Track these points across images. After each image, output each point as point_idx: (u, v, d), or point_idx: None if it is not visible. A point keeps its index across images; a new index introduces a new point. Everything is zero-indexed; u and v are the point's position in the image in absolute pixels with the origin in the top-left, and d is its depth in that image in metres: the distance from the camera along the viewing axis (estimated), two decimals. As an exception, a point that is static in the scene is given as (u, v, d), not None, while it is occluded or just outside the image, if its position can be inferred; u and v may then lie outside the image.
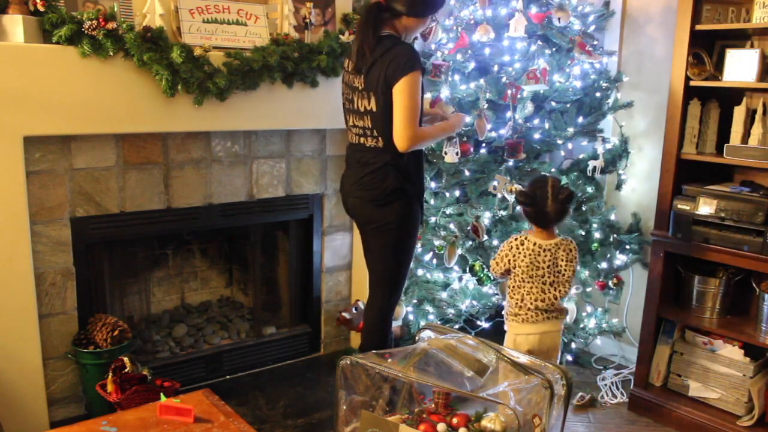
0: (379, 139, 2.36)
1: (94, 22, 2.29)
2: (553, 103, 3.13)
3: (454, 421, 1.88)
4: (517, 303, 2.41)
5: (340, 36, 2.87)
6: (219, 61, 2.56)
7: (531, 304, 2.39)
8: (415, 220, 2.47)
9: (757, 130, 2.60)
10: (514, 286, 2.43)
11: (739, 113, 2.67)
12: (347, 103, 2.48)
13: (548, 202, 2.36)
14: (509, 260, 2.42)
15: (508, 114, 3.04)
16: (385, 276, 2.53)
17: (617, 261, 3.18)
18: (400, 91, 2.25)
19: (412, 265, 3.19)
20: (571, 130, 3.06)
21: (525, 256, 2.38)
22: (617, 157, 3.18)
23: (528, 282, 2.39)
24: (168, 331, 3.13)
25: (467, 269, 3.14)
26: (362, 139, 2.42)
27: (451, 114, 2.66)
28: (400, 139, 2.28)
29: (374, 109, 2.34)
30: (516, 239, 2.43)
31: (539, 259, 2.37)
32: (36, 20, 2.28)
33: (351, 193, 2.50)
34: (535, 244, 2.38)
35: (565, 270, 2.39)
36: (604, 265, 3.12)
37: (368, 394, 1.97)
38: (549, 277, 2.39)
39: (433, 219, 3.18)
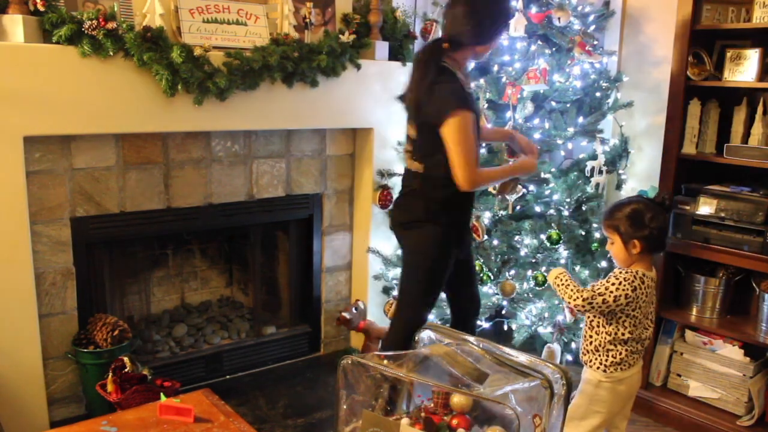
0: (421, 163, 2.35)
1: (94, 22, 2.29)
2: (553, 103, 3.13)
3: (454, 422, 1.88)
4: (632, 350, 2.09)
5: (340, 36, 2.87)
6: (219, 61, 2.56)
7: (640, 345, 2.12)
8: (432, 248, 2.37)
9: (757, 130, 2.60)
10: (629, 330, 2.07)
11: (739, 113, 2.67)
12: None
13: (668, 223, 2.15)
14: (627, 300, 2.03)
15: (508, 114, 3.04)
16: (401, 294, 2.54)
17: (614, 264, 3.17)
18: (446, 135, 2.20)
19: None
20: (571, 130, 3.06)
21: (646, 296, 2.07)
22: (617, 157, 3.18)
23: (642, 323, 2.10)
24: (168, 331, 3.13)
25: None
26: (407, 160, 2.44)
27: (522, 156, 2.53)
28: (461, 182, 2.23)
29: (415, 137, 2.35)
30: (635, 276, 2.04)
31: (652, 294, 2.10)
32: (36, 20, 2.28)
33: (392, 210, 2.58)
34: (652, 279, 2.09)
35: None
36: (603, 264, 3.12)
37: (368, 394, 1.97)
38: (651, 310, 2.13)
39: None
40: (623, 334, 2.07)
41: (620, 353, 2.08)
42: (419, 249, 2.40)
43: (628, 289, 2.02)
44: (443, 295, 2.67)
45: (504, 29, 2.37)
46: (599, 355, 2.11)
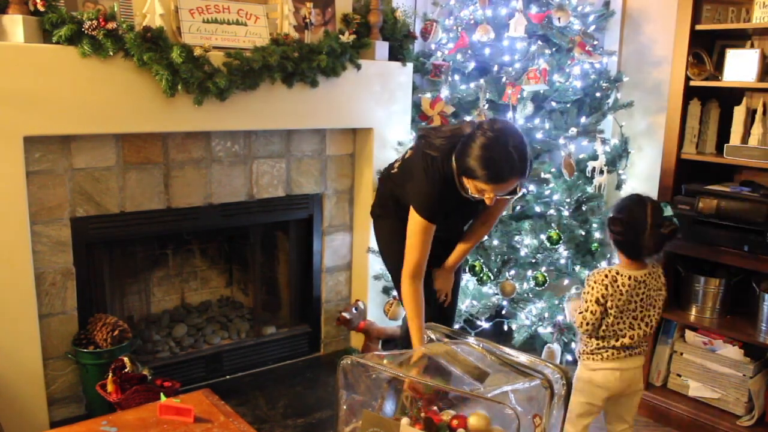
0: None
1: (94, 22, 2.29)
2: (554, 103, 3.13)
3: (454, 422, 1.88)
4: (604, 345, 2.13)
5: (340, 36, 2.87)
6: (219, 61, 2.56)
7: (618, 342, 2.12)
8: (392, 240, 2.43)
9: (757, 130, 2.60)
10: (603, 327, 2.12)
11: (739, 113, 2.67)
12: None
13: (646, 233, 2.04)
14: (603, 302, 2.09)
15: (509, 114, 3.04)
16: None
17: (617, 261, 3.17)
18: (409, 224, 2.22)
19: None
20: (574, 130, 3.05)
21: (621, 294, 2.08)
22: (617, 157, 3.18)
23: (619, 320, 2.11)
24: (168, 331, 3.13)
25: (467, 269, 3.14)
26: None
27: (426, 345, 2.17)
28: (402, 275, 2.26)
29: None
30: (606, 275, 2.09)
31: (634, 293, 2.10)
32: (36, 20, 2.28)
33: None
34: (630, 278, 2.09)
35: (656, 300, 2.14)
36: (603, 264, 3.12)
37: (369, 394, 1.97)
38: (640, 312, 2.12)
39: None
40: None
41: (591, 344, 2.17)
42: (382, 241, 2.54)
43: (602, 289, 2.10)
44: None
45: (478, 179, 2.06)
46: (580, 343, 2.23)
